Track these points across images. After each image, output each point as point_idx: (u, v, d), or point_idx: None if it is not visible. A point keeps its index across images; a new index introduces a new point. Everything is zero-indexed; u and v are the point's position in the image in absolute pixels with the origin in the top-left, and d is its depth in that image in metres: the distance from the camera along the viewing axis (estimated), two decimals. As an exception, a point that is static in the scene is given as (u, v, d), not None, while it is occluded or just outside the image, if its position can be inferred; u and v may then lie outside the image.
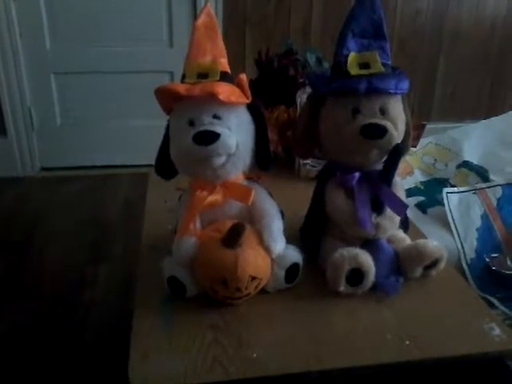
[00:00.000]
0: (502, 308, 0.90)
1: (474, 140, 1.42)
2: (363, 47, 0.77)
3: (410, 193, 1.25)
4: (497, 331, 0.68)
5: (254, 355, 0.64)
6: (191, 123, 0.72)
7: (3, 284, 1.58)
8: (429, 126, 1.13)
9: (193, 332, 0.68)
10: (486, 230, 1.12)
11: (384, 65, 0.75)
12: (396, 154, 0.75)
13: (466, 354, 0.65)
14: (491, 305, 0.88)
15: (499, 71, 2.65)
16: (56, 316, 1.42)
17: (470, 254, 1.07)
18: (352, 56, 0.75)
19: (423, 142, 1.30)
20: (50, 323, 1.39)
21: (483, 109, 2.68)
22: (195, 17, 2.24)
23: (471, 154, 1.37)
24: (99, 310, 1.44)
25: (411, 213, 0.96)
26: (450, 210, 1.16)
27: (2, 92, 2.26)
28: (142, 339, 0.66)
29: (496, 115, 1.61)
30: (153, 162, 0.80)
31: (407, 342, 0.66)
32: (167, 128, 0.78)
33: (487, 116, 1.65)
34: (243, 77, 0.74)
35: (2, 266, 1.67)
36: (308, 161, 1.13)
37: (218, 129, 0.70)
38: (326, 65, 1.32)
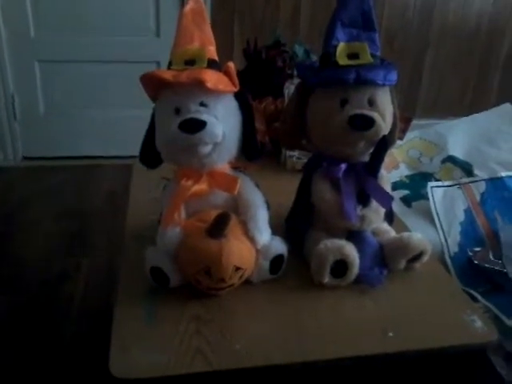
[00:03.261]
0: (484, 301, 0.91)
1: (459, 135, 1.43)
2: (352, 37, 0.76)
3: (395, 186, 1.25)
4: (478, 324, 0.69)
5: (237, 346, 0.64)
6: (177, 111, 0.70)
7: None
8: (413, 122, 1.13)
9: (175, 323, 0.67)
10: (469, 225, 1.13)
11: (373, 56, 0.74)
12: (383, 145, 0.75)
13: (449, 346, 0.66)
14: (473, 298, 0.89)
15: (484, 67, 2.67)
16: (37, 308, 1.40)
17: (454, 247, 1.08)
18: (341, 46, 0.75)
19: (409, 136, 1.31)
20: (31, 316, 1.37)
21: (468, 104, 2.70)
22: (183, 6, 2.21)
23: (456, 149, 1.38)
24: (81, 303, 1.42)
25: (396, 206, 0.96)
26: (435, 204, 1.17)
27: (-17, 79, 2.22)
28: (123, 330, 0.66)
29: (480, 111, 1.62)
30: (136, 153, 0.79)
31: (390, 334, 0.66)
32: (153, 116, 0.76)
33: (472, 111, 1.66)
34: (231, 65, 0.73)
35: (-19, 256, 1.64)
36: (294, 153, 1.13)
37: (204, 117, 0.69)
38: (314, 57, 1.31)
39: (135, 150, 0.81)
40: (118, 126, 2.36)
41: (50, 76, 2.31)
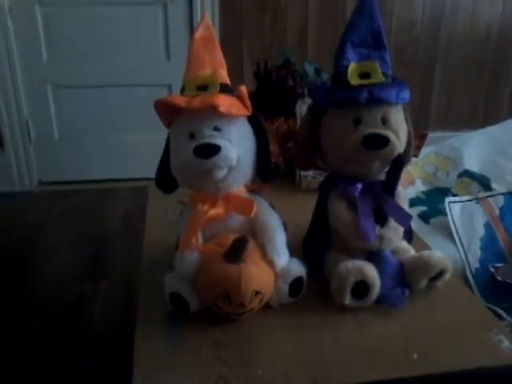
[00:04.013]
0: (509, 319, 0.89)
1: (474, 149, 1.42)
2: (363, 57, 0.76)
3: (412, 203, 1.24)
4: (506, 343, 0.67)
5: (260, 372, 0.63)
6: (191, 136, 0.71)
7: (2, 299, 1.56)
8: (427, 133, 1.13)
9: (196, 349, 0.66)
10: (489, 240, 1.11)
11: (384, 74, 0.74)
12: (398, 164, 0.75)
13: (476, 368, 0.64)
14: (498, 316, 0.87)
15: (495, 78, 2.66)
16: (55, 334, 1.40)
17: (475, 263, 1.06)
18: (352, 66, 0.75)
19: (424, 151, 1.30)
20: (49, 341, 1.37)
21: (480, 116, 2.69)
22: (192, 29, 2.24)
23: (471, 163, 1.36)
24: (100, 327, 1.42)
25: (414, 223, 0.95)
26: (453, 219, 1.15)
27: (-1, 105, 2.26)
28: (144, 358, 0.65)
29: (493, 122, 1.61)
30: (152, 176, 0.80)
31: (415, 356, 0.65)
32: (167, 141, 0.77)
33: (484, 123, 1.65)
34: (243, 88, 0.74)
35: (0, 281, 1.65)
36: (309, 172, 1.12)
37: (218, 141, 0.69)
38: (325, 76, 1.31)
39: (149, 172, 0.81)
40: (131, 148, 2.38)
41: (63, 101, 2.34)
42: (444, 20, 2.48)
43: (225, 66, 0.77)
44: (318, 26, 2.36)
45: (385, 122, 0.73)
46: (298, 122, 1.14)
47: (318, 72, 1.34)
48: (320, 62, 1.37)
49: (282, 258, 0.71)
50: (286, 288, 0.72)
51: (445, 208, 1.18)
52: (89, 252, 1.83)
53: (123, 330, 1.32)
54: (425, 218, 1.21)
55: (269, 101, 1.24)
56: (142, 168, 1.48)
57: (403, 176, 0.78)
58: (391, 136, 0.72)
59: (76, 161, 2.43)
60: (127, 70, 2.30)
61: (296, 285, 0.72)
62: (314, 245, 0.81)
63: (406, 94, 0.74)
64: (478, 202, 1.19)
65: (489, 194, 1.21)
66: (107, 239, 1.92)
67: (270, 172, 0.78)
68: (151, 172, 0.80)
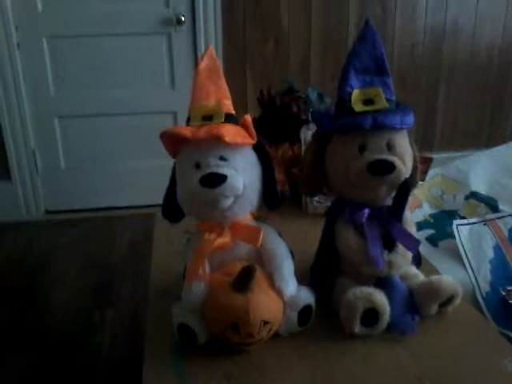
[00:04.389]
0: (523, 344, 0.87)
1: (480, 170, 1.41)
2: (366, 84, 0.77)
3: (420, 226, 1.23)
4: (520, 370, 0.66)
5: (270, 405, 0.62)
6: (197, 166, 0.71)
7: (8, 330, 1.55)
8: (433, 157, 1.13)
9: (206, 382, 0.65)
10: (499, 262, 1.10)
11: (388, 100, 0.75)
12: (405, 189, 0.75)
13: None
14: (510, 340, 0.85)
15: (498, 98, 2.67)
16: (62, 363, 1.39)
17: (485, 287, 1.05)
18: (356, 93, 0.75)
19: (430, 173, 1.29)
20: (56, 370, 1.36)
21: (485, 137, 2.69)
22: (196, 58, 2.28)
23: (478, 185, 1.35)
24: (107, 356, 1.40)
25: (422, 247, 0.94)
26: (462, 242, 1.14)
27: (6, 136, 2.29)
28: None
29: (498, 142, 1.61)
30: (157, 203, 0.80)
31: (428, 385, 0.64)
32: (173, 171, 0.77)
33: (489, 143, 1.65)
34: (248, 117, 0.74)
35: (7, 312, 1.64)
36: (315, 197, 1.12)
37: (224, 170, 0.70)
38: (328, 101, 1.32)
39: (154, 199, 0.82)
40: (136, 176, 2.40)
41: (69, 131, 2.37)
42: (445, 42, 2.50)
43: (229, 97, 0.78)
44: (320, 53, 2.39)
45: (390, 147, 0.74)
46: (303, 147, 1.15)
47: (321, 97, 1.35)
48: (323, 87, 1.38)
49: (290, 286, 0.71)
50: (294, 316, 0.71)
51: (453, 231, 1.17)
52: (96, 280, 1.82)
53: (131, 359, 1.31)
54: (433, 241, 1.20)
55: (273, 127, 1.25)
56: (149, 195, 1.48)
57: (410, 199, 0.78)
58: (397, 162, 0.72)
59: (82, 189, 2.44)
60: (133, 99, 2.33)
61: (305, 313, 0.72)
62: (322, 272, 0.81)
63: (410, 119, 0.75)
64: (486, 224, 1.18)
65: (497, 215, 1.20)
66: (114, 267, 1.92)
67: (275, 199, 0.78)
68: (158, 199, 0.80)
